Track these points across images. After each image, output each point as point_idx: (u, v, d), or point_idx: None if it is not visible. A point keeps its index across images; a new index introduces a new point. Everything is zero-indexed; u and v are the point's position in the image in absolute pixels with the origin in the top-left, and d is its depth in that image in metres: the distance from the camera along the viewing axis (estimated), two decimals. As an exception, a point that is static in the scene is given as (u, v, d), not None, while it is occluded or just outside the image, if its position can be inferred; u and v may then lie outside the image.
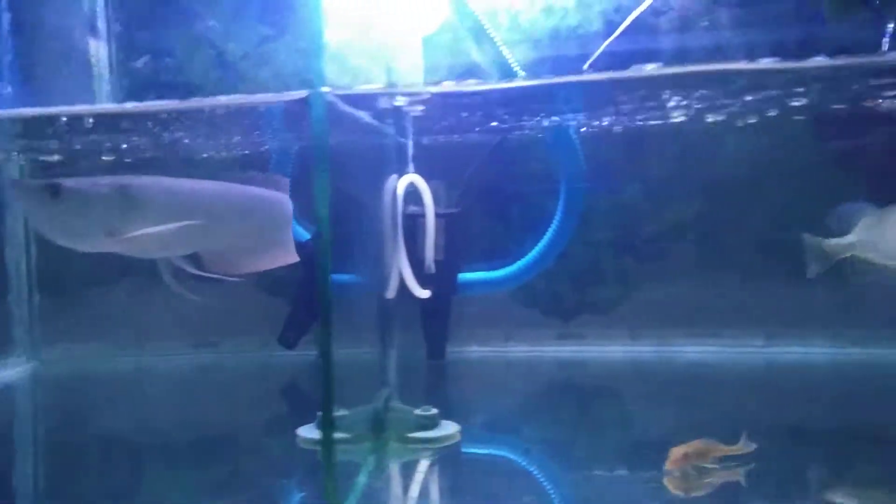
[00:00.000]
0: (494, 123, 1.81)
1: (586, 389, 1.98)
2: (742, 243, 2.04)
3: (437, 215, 1.90)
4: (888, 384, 1.79)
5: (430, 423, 1.38)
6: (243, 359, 2.21)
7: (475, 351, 2.17)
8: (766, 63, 1.32)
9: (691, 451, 1.15)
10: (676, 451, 1.15)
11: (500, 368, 2.13)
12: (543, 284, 2.15)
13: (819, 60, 1.31)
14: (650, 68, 1.30)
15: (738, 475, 1.17)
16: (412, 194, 1.84)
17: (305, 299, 2.03)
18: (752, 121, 1.76)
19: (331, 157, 1.94)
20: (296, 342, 2.04)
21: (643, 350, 2.11)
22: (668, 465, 1.15)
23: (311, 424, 1.41)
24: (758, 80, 1.43)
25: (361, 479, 1.22)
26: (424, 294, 1.84)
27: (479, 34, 1.73)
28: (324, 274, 1.89)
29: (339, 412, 1.36)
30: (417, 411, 1.40)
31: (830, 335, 1.98)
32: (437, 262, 1.92)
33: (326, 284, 1.82)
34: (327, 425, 1.10)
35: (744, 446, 1.20)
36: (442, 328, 2.00)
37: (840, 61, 1.33)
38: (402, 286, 1.55)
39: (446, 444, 1.37)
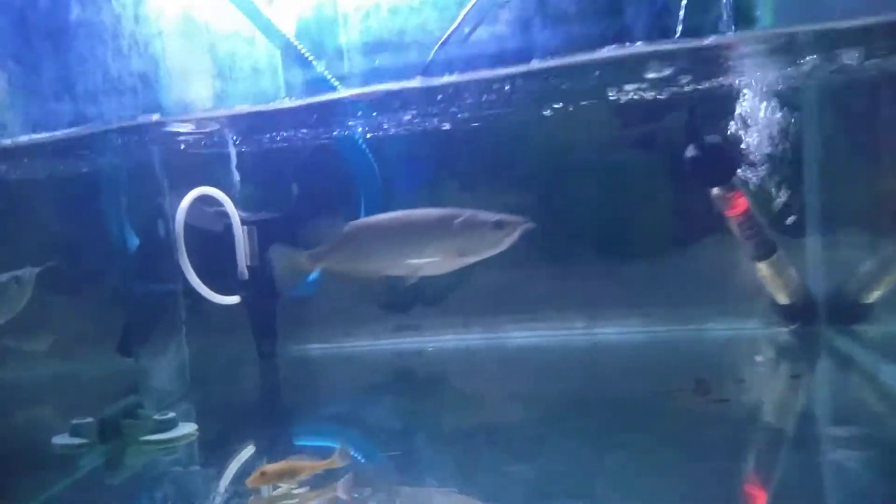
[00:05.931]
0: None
1: (416, 379, 2.07)
2: (563, 231, 2.13)
3: (250, 222, 1.97)
4: (678, 360, 1.93)
5: (166, 427, 1.51)
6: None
7: (315, 348, 2.25)
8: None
9: (270, 472, 1.06)
10: (257, 472, 1.06)
11: (336, 363, 2.21)
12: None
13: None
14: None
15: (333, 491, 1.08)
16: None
17: (143, 308, 2.07)
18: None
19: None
20: (134, 351, 2.09)
21: (474, 338, 2.20)
22: (248, 484, 1.06)
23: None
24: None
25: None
26: (227, 300, 1.90)
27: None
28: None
29: (85, 419, 1.51)
30: (156, 416, 1.53)
31: (642, 314, 2.10)
32: (254, 267, 1.99)
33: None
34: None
35: (338, 459, 1.12)
36: (268, 328, 2.07)
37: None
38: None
39: (177, 444, 1.50)
